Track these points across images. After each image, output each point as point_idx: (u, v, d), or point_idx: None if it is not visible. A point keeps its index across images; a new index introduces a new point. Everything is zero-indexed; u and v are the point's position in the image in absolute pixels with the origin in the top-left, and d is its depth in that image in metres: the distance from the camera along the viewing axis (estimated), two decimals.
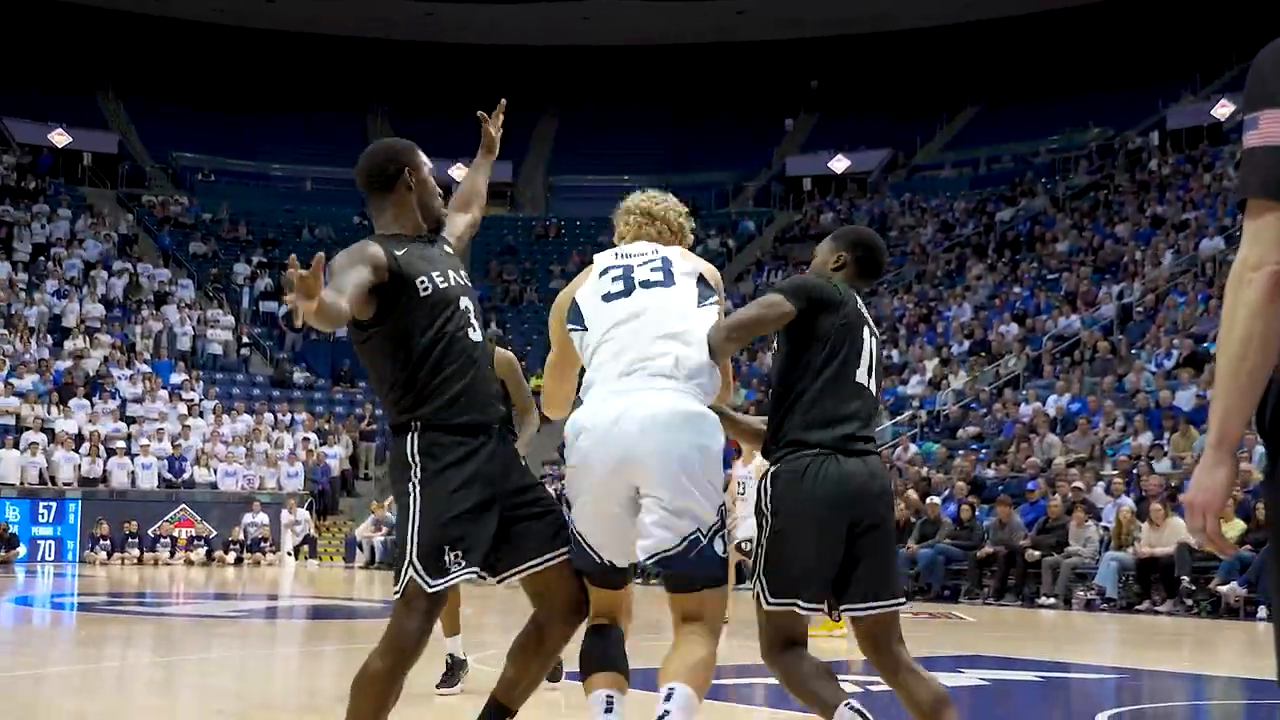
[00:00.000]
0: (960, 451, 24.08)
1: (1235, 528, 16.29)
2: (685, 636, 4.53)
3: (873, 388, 4.89)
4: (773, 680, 4.90)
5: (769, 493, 4.68)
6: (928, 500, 20.80)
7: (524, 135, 52.78)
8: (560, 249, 46.38)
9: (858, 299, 4.96)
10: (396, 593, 4.48)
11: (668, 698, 4.31)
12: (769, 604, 4.63)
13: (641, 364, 4.57)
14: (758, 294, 40.11)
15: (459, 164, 50.10)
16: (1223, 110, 40.33)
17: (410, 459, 4.58)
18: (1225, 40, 42.94)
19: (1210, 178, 34.59)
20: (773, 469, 4.71)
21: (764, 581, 4.65)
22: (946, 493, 21.44)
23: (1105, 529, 18.51)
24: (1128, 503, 18.28)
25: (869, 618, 4.67)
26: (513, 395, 7.27)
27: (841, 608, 4.69)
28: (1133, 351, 25.67)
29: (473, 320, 4.75)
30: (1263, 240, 2.59)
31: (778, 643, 4.67)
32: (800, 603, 4.60)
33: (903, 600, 4.77)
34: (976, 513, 20.18)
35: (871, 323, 4.98)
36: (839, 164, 48.60)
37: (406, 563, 4.47)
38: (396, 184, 4.81)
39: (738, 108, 50.87)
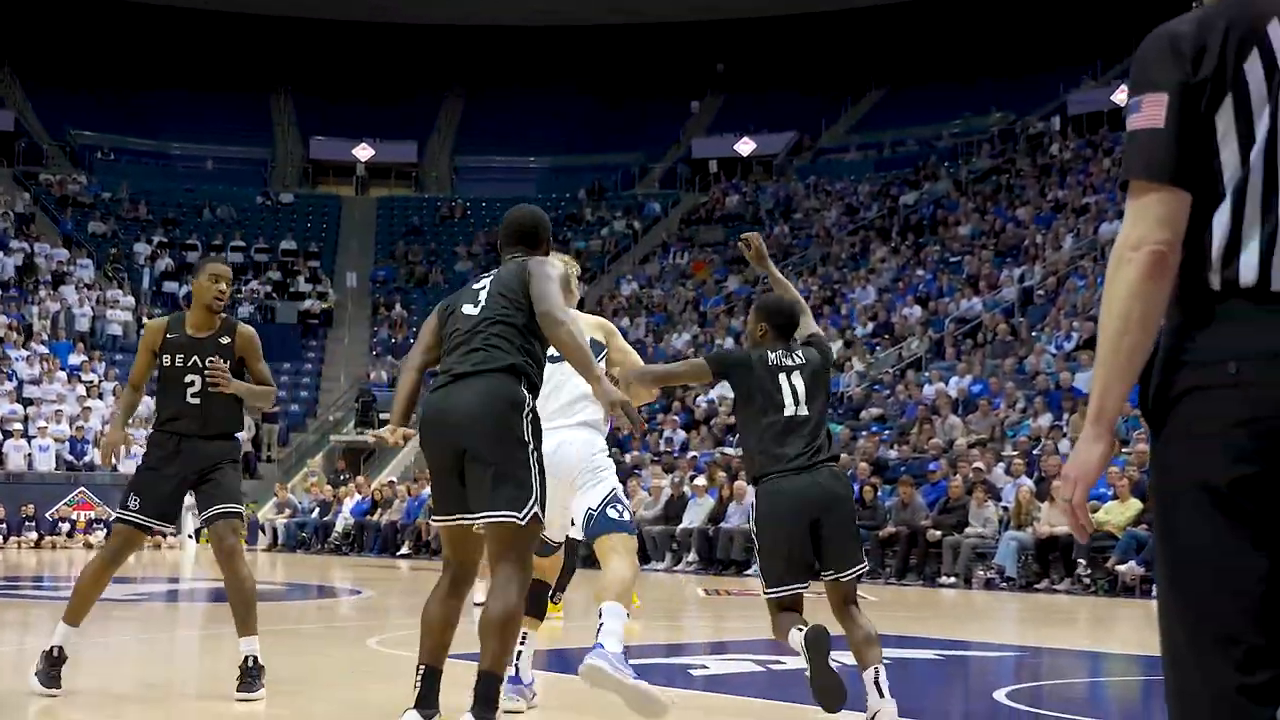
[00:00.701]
0: (863, 433, 24.30)
1: (1132, 507, 16.61)
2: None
3: (807, 411, 6.37)
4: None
5: (753, 513, 6.40)
6: None
7: (430, 115, 52.53)
8: (466, 230, 46.22)
9: (772, 354, 6.46)
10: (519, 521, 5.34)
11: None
12: (767, 594, 6.37)
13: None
14: (664, 274, 40.24)
15: (363, 144, 49.88)
16: (1123, 96, 40.76)
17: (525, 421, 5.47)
18: (1126, 26, 43.42)
19: (1110, 162, 35.09)
20: (754, 497, 6.43)
21: (761, 577, 6.44)
22: (849, 474, 21.63)
23: (1005, 509, 18.76)
24: (1027, 483, 18.54)
25: (833, 584, 6.32)
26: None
27: (822, 576, 6.34)
28: (1033, 334, 26.03)
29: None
30: (1144, 220, 2.65)
31: (777, 614, 6.37)
32: (785, 587, 6.32)
33: (859, 568, 6.38)
34: (879, 493, 20.38)
35: (793, 360, 6.46)
36: (745, 146, 48.80)
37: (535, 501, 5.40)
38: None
39: (645, 89, 50.94)
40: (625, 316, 37.42)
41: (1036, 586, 17.45)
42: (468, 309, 5.69)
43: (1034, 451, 20.17)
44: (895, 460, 22.49)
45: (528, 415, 5.47)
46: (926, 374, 26.33)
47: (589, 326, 6.53)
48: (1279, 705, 2.57)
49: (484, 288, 5.75)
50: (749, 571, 20.54)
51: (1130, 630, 13.41)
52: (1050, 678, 9.73)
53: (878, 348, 29.16)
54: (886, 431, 24.27)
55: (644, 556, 22.80)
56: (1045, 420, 21.41)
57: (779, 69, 50.27)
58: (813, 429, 6.33)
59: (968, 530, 18.76)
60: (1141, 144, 2.68)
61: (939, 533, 18.93)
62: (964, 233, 34.36)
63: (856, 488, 20.63)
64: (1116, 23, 43.48)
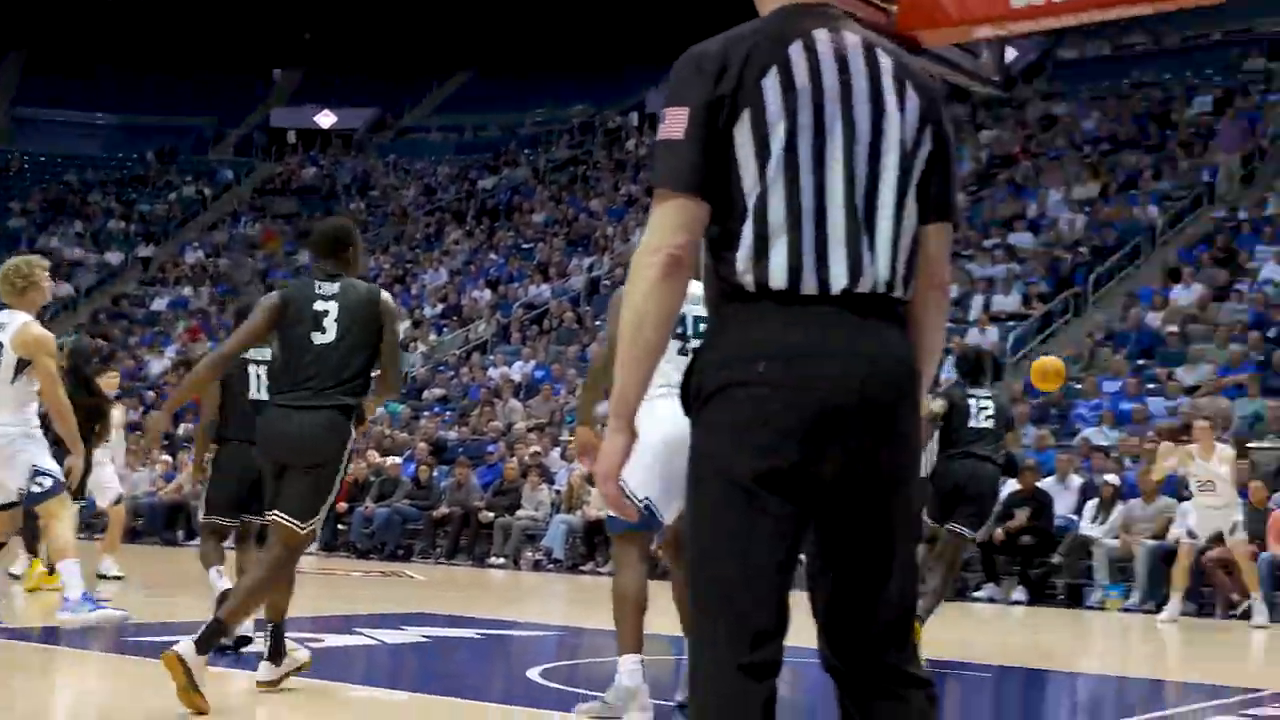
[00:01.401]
0: (425, 413, 24.23)
1: None
2: None
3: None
4: None
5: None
6: (387, 460, 20.82)
7: None
8: (22, 185, 43.73)
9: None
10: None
11: None
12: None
13: None
14: (232, 243, 39.10)
15: None
16: None
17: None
18: (702, 29, 44.87)
19: None
20: None
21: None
22: (408, 453, 21.52)
23: (558, 492, 19.03)
24: (579, 468, 18.83)
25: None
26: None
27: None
28: (597, 322, 26.53)
29: None
30: (662, 226, 2.75)
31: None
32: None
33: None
34: (435, 473, 20.35)
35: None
36: (326, 119, 48.00)
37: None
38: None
39: (226, 54, 49.29)
40: (188, 285, 36.22)
41: (582, 568, 17.77)
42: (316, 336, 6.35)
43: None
44: (454, 441, 22.50)
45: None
46: (491, 357, 26.49)
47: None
48: (773, 678, 2.74)
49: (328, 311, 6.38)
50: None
51: (664, 605, 13.72)
52: (586, 656, 9.87)
53: (445, 329, 29.15)
54: (448, 412, 24.28)
55: (191, 531, 22.13)
56: (603, 409, 21.76)
57: (366, 44, 49.61)
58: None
59: (520, 512, 18.93)
60: (664, 154, 2.78)
61: (492, 514, 19.04)
62: (538, 220, 34.75)
63: (412, 467, 20.56)
64: (695, 24, 44.80)
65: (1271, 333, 18.82)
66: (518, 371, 24.87)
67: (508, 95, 47.21)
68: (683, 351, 5.95)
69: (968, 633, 12.15)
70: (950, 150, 2.97)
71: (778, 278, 2.75)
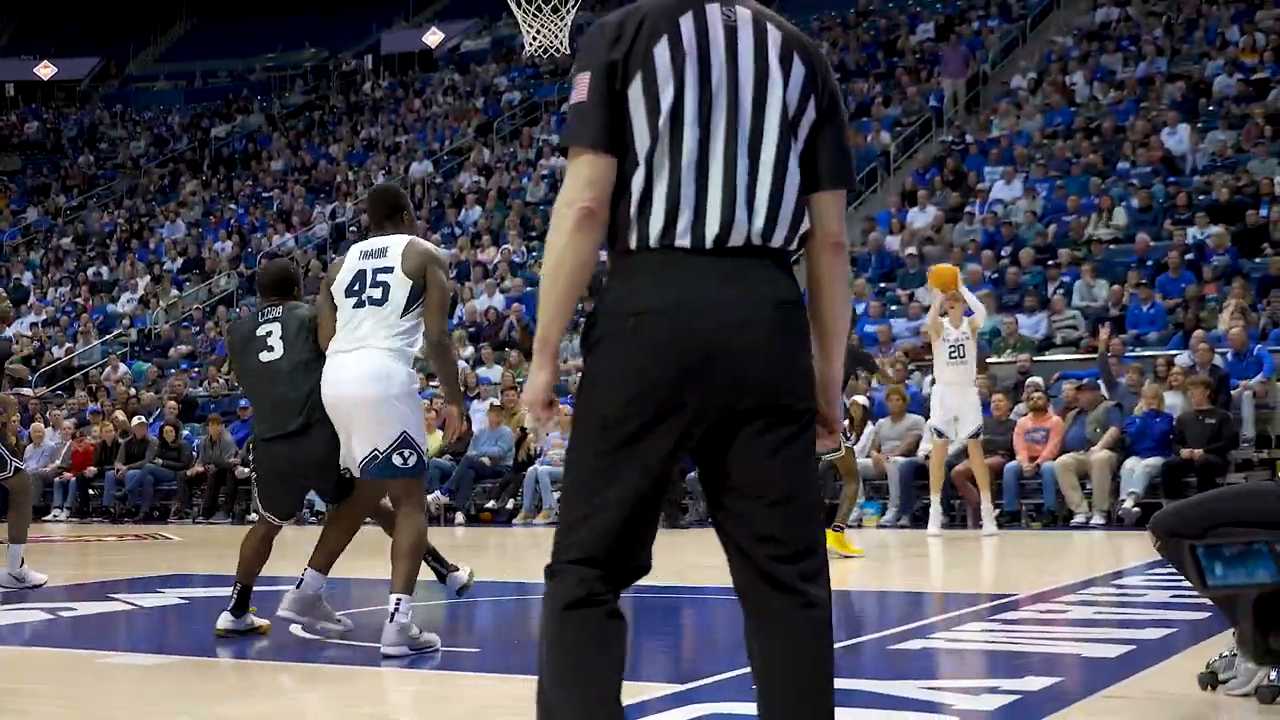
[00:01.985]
0: (172, 370, 23.52)
1: (437, 438, 16.93)
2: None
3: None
4: None
5: None
6: (134, 420, 20.16)
7: None
8: None
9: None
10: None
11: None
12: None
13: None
14: None
15: None
16: (433, 37, 41.73)
17: None
18: None
19: (421, 103, 35.68)
20: None
21: None
22: (157, 412, 20.88)
23: None
24: None
25: None
26: None
27: None
28: None
29: None
30: (574, 182, 2.99)
31: None
32: None
33: None
34: (186, 432, 19.80)
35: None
36: (45, 70, 45.96)
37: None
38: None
39: None
40: None
41: None
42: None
43: None
44: (205, 398, 21.91)
45: None
46: (237, 310, 25.82)
47: None
48: (594, 608, 2.98)
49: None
50: (47, 518, 19.52)
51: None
52: (346, 606, 9.70)
53: (187, 283, 28.30)
54: (196, 370, 23.61)
55: None
56: None
57: None
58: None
59: None
60: (573, 115, 3.03)
61: (247, 469, 18.58)
62: (276, 168, 33.93)
63: (157, 429, 19.98)
64: None
65: (1005, 251, 19.46)
66: None
67: (236, 40, 45.96)
68: (359, 305, 6.40)
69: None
70: (839, 119, 3.15)
71: (655, 230, 2.98)
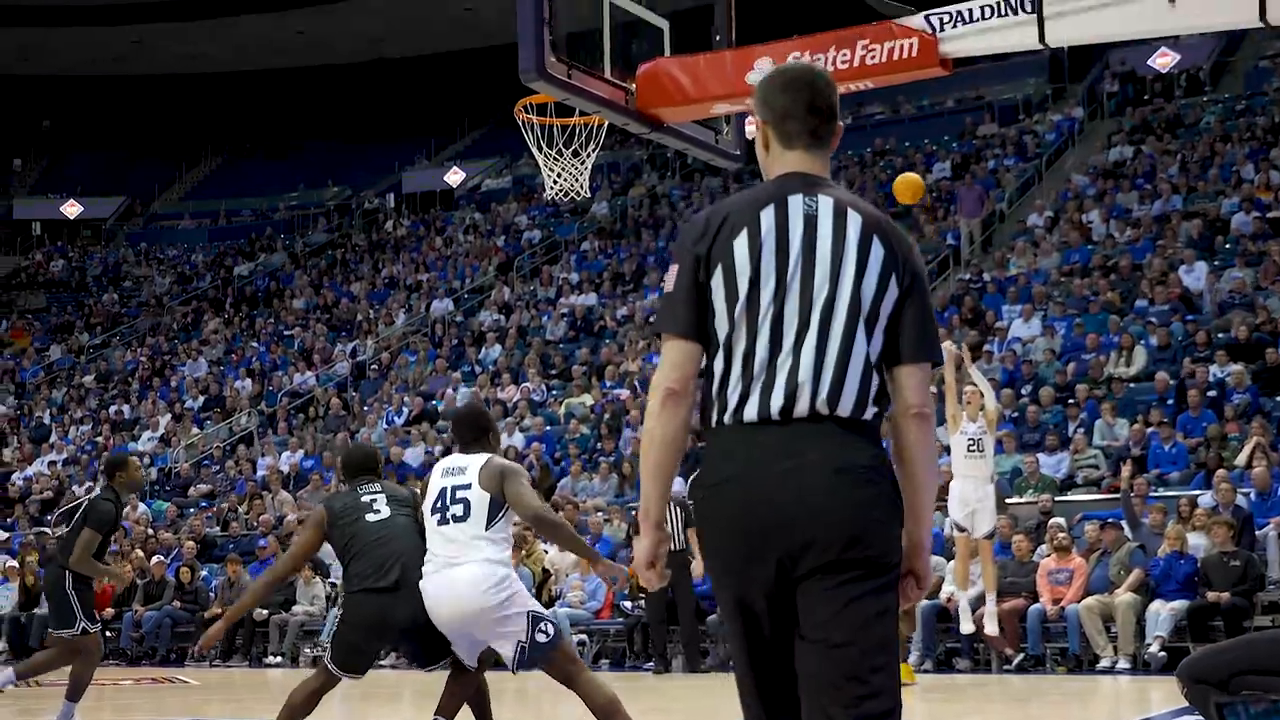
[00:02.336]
0: (191, 510, 23.50)
1: None
2: None
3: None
4: None
5: None
6: (153, 560, 20.11)
7: None
8: None
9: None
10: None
11: None
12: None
13: None
14: None
15: None
16: (454, 176, 42.27)
17: None
18: (458, 110, 45.09)
19: (442, 241, 36.02)
20: None
21: None
22: (175, 552, 20.84)
23: (333, 585, 18.61)
24: None
25: None
26: None
27: None
28: (365, 408, 26.14)
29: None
30: (664, 365, 3.36)
31: None
32: None
33: None
34: (204, 572, 19.74)
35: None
36: (72, 209, 46.61)
37: None
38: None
39: None
40: None
41: None
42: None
43: None
44: (223, 537, 21.87)
45: None
46: (258, 448, 25.85)
47: None
48: None
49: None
50: None
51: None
52: None
53: (208, 422, 28.37)
54: (215, 508, 23.59)
55: None
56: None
57: (110, 130, 48.39)
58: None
59: (295, 608, 18.45)
60: (663, 304, 3.41)
61: (265, 611, 18.51)
62: (298, 306, 34.18)
63: (174, 569, 19.94)
64: (449, 106, 44.99)
65: (1025, 390, 19.45)
66: (285, 462, 24.32)
67: (260, 179, 46.56)
68: (443, 521, 6.78)
69: None
70: (921, 296, 3.44)
71: (731, 407, 3.31)
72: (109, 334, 36.47)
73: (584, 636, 16.82)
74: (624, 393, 22.99)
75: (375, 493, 7.37)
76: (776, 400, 3.27)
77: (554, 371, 25.08)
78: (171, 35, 44.65)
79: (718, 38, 8.25)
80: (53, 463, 27.62)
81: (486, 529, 6.71)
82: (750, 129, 3.80)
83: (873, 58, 7.40)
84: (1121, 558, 14.41)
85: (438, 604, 6.74)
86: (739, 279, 3.31)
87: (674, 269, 3.38)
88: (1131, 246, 23.02)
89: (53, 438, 29.10)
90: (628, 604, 16.58)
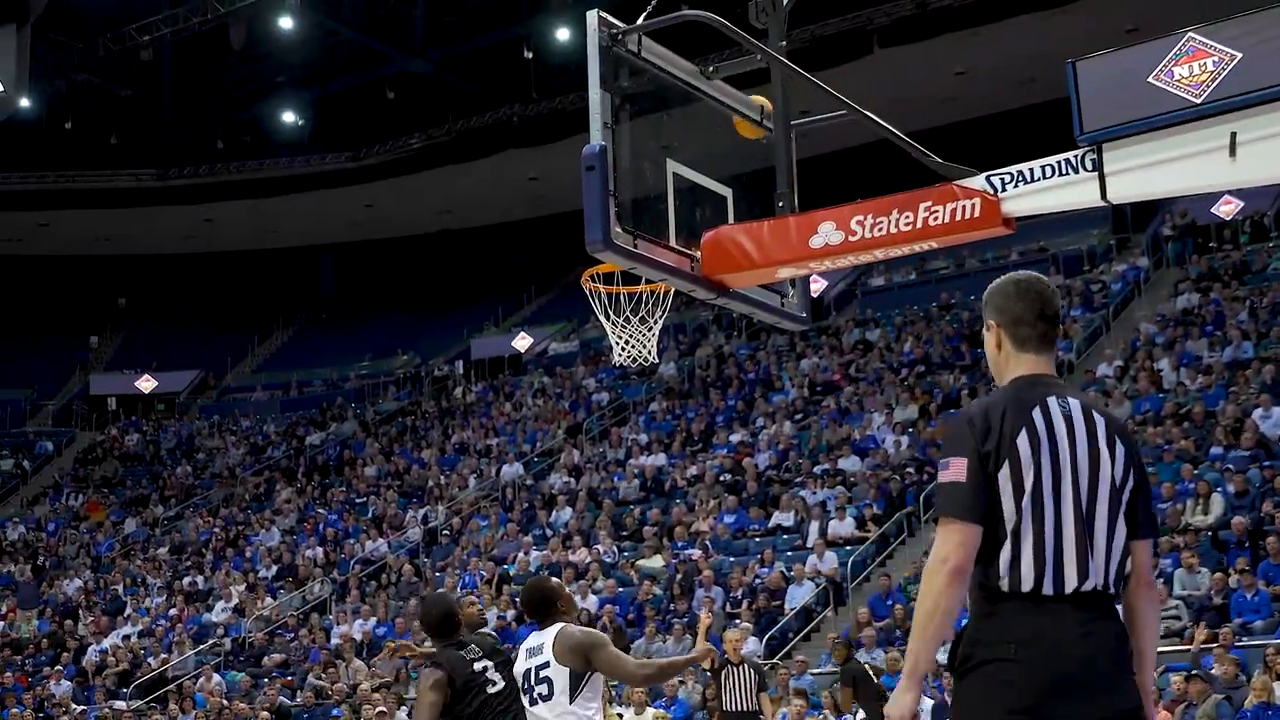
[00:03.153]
0: (265, 680, 23.52)
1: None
2: None
3: None
4: None
5: None
6: None
7: None
8: None
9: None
10: None
11: None
12: None
13: None
14: (55, 517, 38.02)
15: None
16: (522, 342, 42.70)
17: None
18: (524, 277, 45.76)
19: (511, 405, 36.30)
20: None
21: None
22: None
23: None
24: None
25: None
26: None
27: None
28: (437, 574, 26.20)
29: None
30: (948, 543, 3.82)
31: None
32: None
33: None
34: None
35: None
36: (146, 384, 47.40)
37: None
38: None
39: (39, 322, 48.65)
40: (11, 562, 35.04)
41: None
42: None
43: None
44: (297, 708, 21.87)
45: None
46: (330, 617, 25.92)
47: None
48: None
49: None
50: None
51: None
52: None
53: (281, 591, 28.51)
54: (290, 676, 23.61)
55: None
56: None
57: (183, 306, 49.45)
58: None
59: None
60: (950, 492, 3.88)
61: None
62: (370, 473, 34.45)
63: None
64: (515, 273, 45.70)
65: None
66: (358, 630, 24.36)
67: (331, 350, 47.22)
68: (533, 703, 6.98)
69: None
70: (1147, 485, 4.06)
71: (1026, 583, 3.82)
72: (183, 505, 36.83)
73: None
74: (695, 552, 22.95)
75: (479, 657, 7.55)
76: (1070, 580, 3.83)
77: (625, 533, 25.10)
78: (242, 213, 45.73)
79: (781, 204, 8.38)
80: (127, 636, 27.79)
81: (571, 703, 6.83)
82: (984, 332, 4.22)
83: (935, 219, 7.49)
84: (1208, 710, 14.17)
85: None
86: (1025, 474, 3.84)
87: (960, 461, 3.86)
88: (1204, 393, 22.91)
89: (128, 610, 29.30)
90: None
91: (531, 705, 6.95)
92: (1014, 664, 3.76)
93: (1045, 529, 3.83)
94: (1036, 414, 3.90)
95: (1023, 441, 3.85)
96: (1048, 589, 3.82)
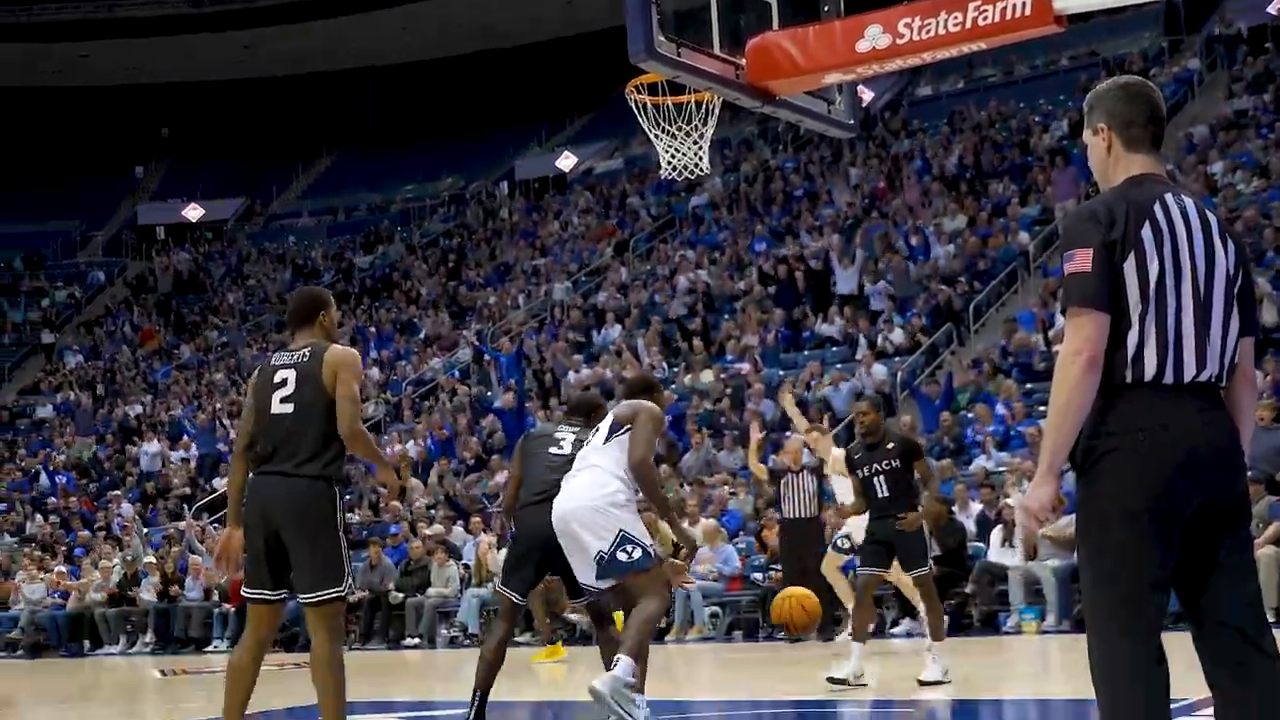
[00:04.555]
0: None
1: None
2: None
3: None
4: None
5: None
6: None
7: None
8: None
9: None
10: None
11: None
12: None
13: None
14: (111, 345, 38.50)
15: None
16: (566, 161, 42.51)
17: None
18: (568, 96, 45.37)
19: (558, 225, 36.28)
20: None
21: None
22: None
23: (466, 567, 18.94)
24: (486, 539, 18.75)
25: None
26: None
27: None
28: (489, 394, 26.45)
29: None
30: (1079, 335, 3.92)
31: None
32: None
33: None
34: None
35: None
36: (194, 212, 47.63)
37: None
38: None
39: (84, 154, 48.74)
40: (69, 390, 35.61)
41: None
42: None
43: (489, 509, 20.43)
44: (357, 524, 22.29)
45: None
46: (385, 437, 26.28)
47: None
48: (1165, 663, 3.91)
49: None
50: (209, 648, 19.94)
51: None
52: None
53: None
54: (347, 497, 24.03)
55: (97, 640, 21.78)
56: (501, 477, 21.77)
57: (227, 133, 49.36)
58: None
59: (430, 590, 18.79)
60: (1077, 283, 3.96)
61: (402, 594, 18.89)
62: (418, 295, 34.62)
63: None
64: (558, 93, 45.30)
65: None
66: (412, 449, 24.70)
67: (376, 174, 47.17)
68: (577, 446, 7.76)
69: (895, 668, 12.25)
70: (1252, 284, 4.21)
71: (1149, 372, 3.93)
72: (235, 331, 37.17)
73: (716, 609, 16.96)
74: (744, 366, 23.06)
75: (571, 431, 8.08)
76: (1189, 370, 3.95)
77: (674, 348, 25.22)
78: (282, 38, 45.40)
79: (826, 8, 8.26)
80: (185, 458, 28.29)
81: (604, 443, 7.48)
82: (1089, 135, 4.26)
83: (984, 18, 7.39)
84: (1259, 511, 14.23)
85: (558, 505, 7.37)
86: (1149, 264, 3.95)
87: (1085, 252, 3.95)
88: (1258, 196, 22.63)
89: (186, 434, 29.75)
90: (759, 575, 16.70)
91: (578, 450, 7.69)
92: (1144, 449, 3.89)
93: (1167, 319, 3.96)
94: (1156, 208, 4.02)
95: (1146, 233, 3.97)
96: (1168, 378, 3.95)
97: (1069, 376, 3.91)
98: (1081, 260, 3.96)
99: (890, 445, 10.11)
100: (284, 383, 6.54)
